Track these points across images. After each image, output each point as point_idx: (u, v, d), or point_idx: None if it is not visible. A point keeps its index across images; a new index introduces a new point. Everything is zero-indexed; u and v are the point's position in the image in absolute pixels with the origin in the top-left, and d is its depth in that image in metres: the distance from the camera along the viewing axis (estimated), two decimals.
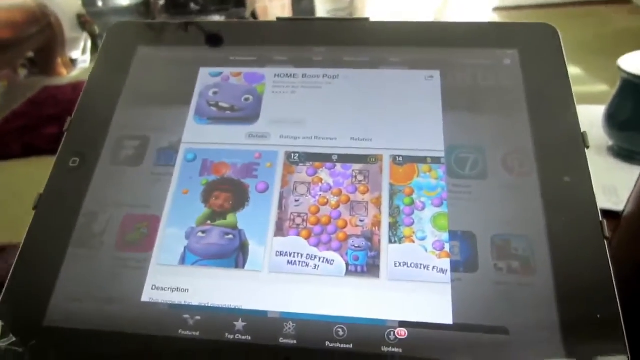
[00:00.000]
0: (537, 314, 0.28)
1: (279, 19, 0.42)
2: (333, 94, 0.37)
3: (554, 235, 0.30)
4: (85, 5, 2.95)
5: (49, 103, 2.16)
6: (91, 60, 2.86)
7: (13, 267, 0.31)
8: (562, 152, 0.32)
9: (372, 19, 0.40)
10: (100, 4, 2.97)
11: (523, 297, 0.28)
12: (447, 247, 0.30)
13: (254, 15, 3.25)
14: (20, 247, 0.32)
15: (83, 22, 3.20)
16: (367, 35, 0.40)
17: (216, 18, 3.02)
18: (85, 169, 0.35)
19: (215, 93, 0.38)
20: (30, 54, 2.59)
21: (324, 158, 0.34)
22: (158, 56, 0.41)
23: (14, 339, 0.28)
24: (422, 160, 0.33)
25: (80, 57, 2.90)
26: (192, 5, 2.94)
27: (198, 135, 0.36)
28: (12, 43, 2.15)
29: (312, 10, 3.16)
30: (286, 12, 3.45)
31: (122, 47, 0.41)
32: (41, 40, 2.47)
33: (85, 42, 3.03)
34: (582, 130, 0.33)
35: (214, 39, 0.41)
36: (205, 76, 0.39)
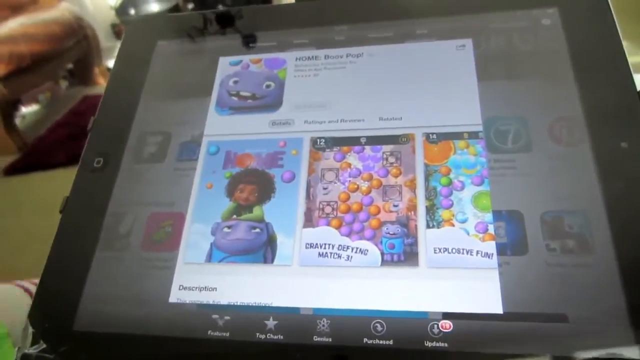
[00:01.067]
0: (600, 298, 0.25)
1: (297, 0, 0.40)
2: (358, 73, 0.35)
3: (613, 209, 0.26)
4: (119, 15, 3.03)
5: (89, 112, 2.24)
6: None
7: (42, 273, 0.30)
8: (616, 115, 0.29)
9: None
10: (132, 12, 3.04)
11: (582, 279, 0.25)
12: (491, 228, 0.27)
13: None
14: (49, 252, 0.31)
15: (117, 32, 3.29)
16: (391, 8, 0.37)
17: None
18: (109, 168, 0.34)
19: (235, 82, 0.37)
20: (70, 66, 2.69)
21: (352, 141, 0.32)
22: (178, 49, 0.40)
23: (44, 345, 0.27)
24: (458, 136, 0.31)
25: None
26: (220, 7, 2.96)
27: (220, 126, 0.35)
28: (52, 56, 2.23)
29: None
30: None
31: (142, 43, 0.41)
32: (79, 51, 2.56)
33: None
34: (638, 90, 0.29)
35: (232, 27, 0.40)
36: (225, 65, 0.38)
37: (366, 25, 0.37)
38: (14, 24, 2.07)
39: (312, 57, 0.36)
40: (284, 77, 0.36)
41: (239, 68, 0.37)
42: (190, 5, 2.87)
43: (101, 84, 2.70)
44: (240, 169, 0.33)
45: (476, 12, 0.35)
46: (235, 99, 0.36)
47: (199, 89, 0.37)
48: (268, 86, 0.36)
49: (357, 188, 0.30)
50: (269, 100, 0.35)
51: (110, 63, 2.97)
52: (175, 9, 2.93)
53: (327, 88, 0.35)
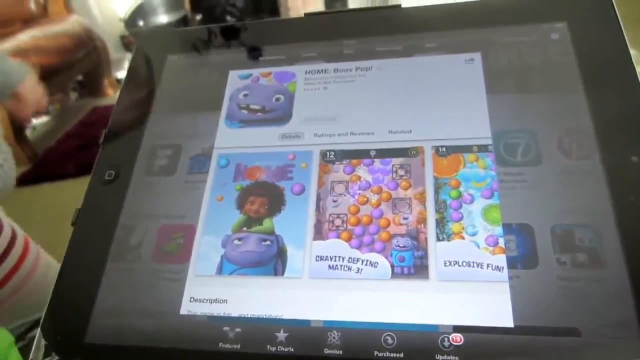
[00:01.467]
0: (612, 312, 0.24)
1: (306, 14, 0.40)
2: (367, 86, 0.35)
3: (624, 222, 0.26)
4: (128, 26, 3.06)
5: (99, 123, 2.26)
6: None
7: (54, 285, 0.31)
8: (626, 128, 0.29)
9: (403, 5, 0.38)
10: (141, 24, 3.07)
11: (593, 293, 0.25)
12: (501, 241, 0.27)
13: None
14: (61, 264, 0.32)
15: (126, 43, 3.33)
16: (399, 22, 0.38)
17: None
18: (120, 181, 0.35)
19: (245, 95, 0.37)
20: (79, 77, 2.72)
21: (361, 154, 0.32)
22: (188, 63, 0.40)
23: (56, 358, 0.28)
24: (468, 149, 0.31)
25: None
26: (228, 18, 2.99)
27: (230, 139, 0.35)
28: (62, 68, 2.26)
29: None
30: None
31: (152, 57, 0.41)
32: (88, 63, 2.59)
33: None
34: None
35: (241, 41, 0.40)
36: (234, 79, 0.38)
37: (375, 39, 0.37)
38: (25, 37, 2.10)
39: (322, 70, 0.37)
40: (293, 90, 0.36)
41: (249, 81, 0.38)
42: (199, 17, 2.90)
43: (110, 95, 2.73)
44: (251, 182, 0.33)
45: (485, 26, 0.35)
46: (245, 112, 0.36)
47: (209, 102, 0.37)
48: (278, 99, 0.36)
49: (367, 201, 0.30)
50: (278, 114, 0.36)
51: (120, 74, 3.01)
52: (184, 20, 2.96)
53: (336, 101, 0.35)
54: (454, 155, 0.31)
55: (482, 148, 0.31)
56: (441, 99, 0.33)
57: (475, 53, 0.35)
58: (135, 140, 0.37)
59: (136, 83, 0.41)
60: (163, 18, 3.04)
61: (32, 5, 2.38)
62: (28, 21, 2.31)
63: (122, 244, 0.32)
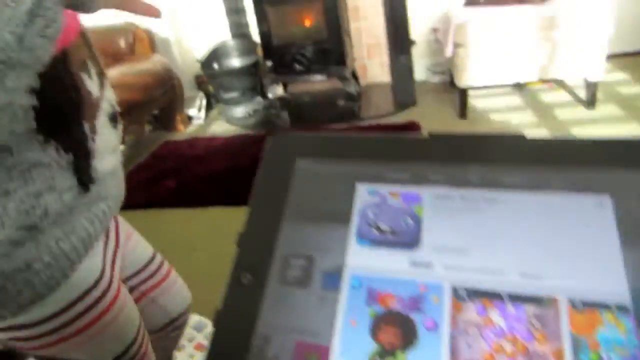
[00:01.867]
0: None
1: (431, 134, 0.42)
2: (494, 219, 0.36)
3: None
4: (204, 68, 3.23)
5: (169, 157, 2.36)
6: (205, 117, 3.11)
7: None
8: None
9: (528, 135, 0.39)
10: (216, 66, 3.23)
11: None
12: None
13: (354, 74, 3.36)
14: None
15: (199, 83, 3.50)
16: (524, 152, 0.39)
17: (318, 77, 3.16)
18: (256, 286, 0.37)
19: (374, 214, 0.39)
20: (155, 112, 2.89)
21: (494, 296, 0.33)
22: (316, 169, 0.42)
23: None
24: (604, 306, 0.31)
25: (196, 114, 3.17)
26: (297, 66, 3.10)
27: (361, 259, 0.37)
28: (142, 103, 2.42)
29: (410, 67, 3.21)
30: (385, 69, 3.54)
31: (281, 161, 0.44)
32: (165, 100, 2.76)
33: (201, 100, 3.31)
34: None
35: (369, 153, 0.42)
36: (363, 194, 0.40)
37: (500, 167, 0.38)
38: (114, 72, 2.27)
39: (448, 196, 0.38)
40: (420, 214, 0.38)
41: (378, 199, 0.39)
42: (269, 63, 3.03)
43: (181, 130, 2.87)
44: (384, 310, 0.34)
45: (614, 166, 0.35)
46: (375, 231, 0.38)
47: (338, 214, 0.39)
48: (406, 222, 0.38)
49: (502, 350, 0.31)
50: (407, 238, 0.37)
51: (191, 111, 3.17)
52: (255, 65, 3.10)
53: (465, 232, 0.36)
54: (591, 312, 0.31)
55: (621, 308, 0.30)
56: (572, 244, 0.34)
57: (604, 195, 0.34)
58: (269, 245, 0.39)
59: (267, 185, 0.43)
60: (236, 62, 3.20)
61: (122, 44, 2.58)
62: (117, 58, 2.50)
63: (260, 355, 0.34)
